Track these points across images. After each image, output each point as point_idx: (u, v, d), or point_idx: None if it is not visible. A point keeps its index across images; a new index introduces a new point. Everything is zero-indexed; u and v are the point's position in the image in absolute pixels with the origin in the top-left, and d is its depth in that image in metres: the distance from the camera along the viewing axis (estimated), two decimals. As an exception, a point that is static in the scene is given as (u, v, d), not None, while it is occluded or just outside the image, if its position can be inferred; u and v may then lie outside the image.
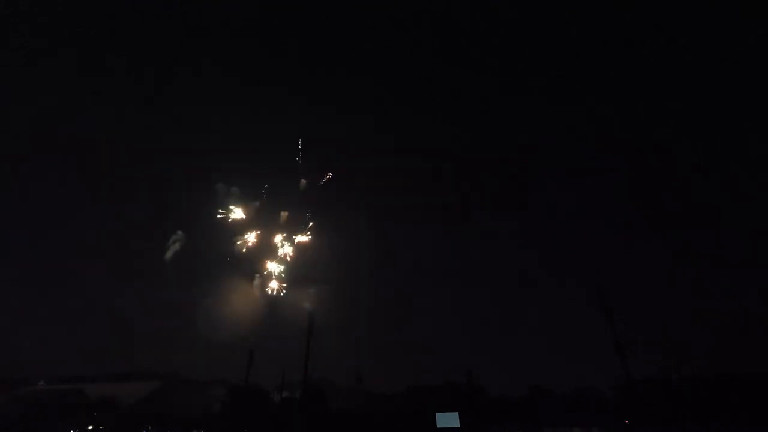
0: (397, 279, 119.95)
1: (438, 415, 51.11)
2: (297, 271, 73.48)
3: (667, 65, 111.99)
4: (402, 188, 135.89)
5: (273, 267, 72.08)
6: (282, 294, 72.35)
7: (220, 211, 70.90)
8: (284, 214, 75.11)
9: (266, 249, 72.57)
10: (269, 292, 71.64)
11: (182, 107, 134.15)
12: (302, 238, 74.05)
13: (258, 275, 71.88)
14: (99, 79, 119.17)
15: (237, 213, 70.96)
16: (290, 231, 73.28)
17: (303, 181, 75.52)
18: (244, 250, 70.82)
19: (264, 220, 72.49)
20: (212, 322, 69.87)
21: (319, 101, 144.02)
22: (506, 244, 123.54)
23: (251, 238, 71.21)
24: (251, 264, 71.73)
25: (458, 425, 50.26)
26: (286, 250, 72.94)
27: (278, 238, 73.47)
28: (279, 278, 72.14)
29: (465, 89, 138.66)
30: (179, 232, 75.15)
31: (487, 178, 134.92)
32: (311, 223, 73.91)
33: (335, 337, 74.29)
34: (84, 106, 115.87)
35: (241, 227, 71.66)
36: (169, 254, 73.73)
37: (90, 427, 60.98)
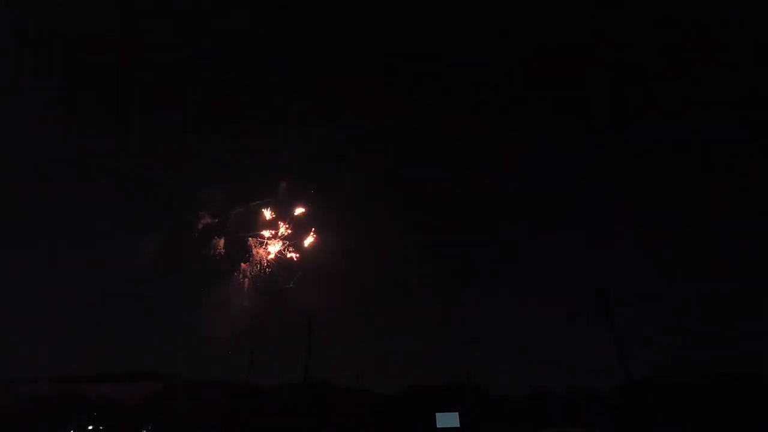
0: (398, 278, 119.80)
1: (438, 415, 51.20)
2: (298, 270, 73.34)
3: (666, 64, 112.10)
4: (403, 188, 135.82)
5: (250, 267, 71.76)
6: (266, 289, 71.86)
7: (200, 213, 70.94)
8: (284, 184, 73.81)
9: (244, 250, 72.41)
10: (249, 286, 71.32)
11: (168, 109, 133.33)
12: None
13: (241, 274, 71.62)
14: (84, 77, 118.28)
15: (211, 216, 70.98)
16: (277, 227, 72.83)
17: (283, 184, 75.06)
18: (220, 251, 70.69)
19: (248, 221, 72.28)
20: (212, 322, 69.85)
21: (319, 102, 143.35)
22: (506, 243, 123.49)
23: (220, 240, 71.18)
24: (234, 263, 71.47)
25: (458, 425, 50.35)
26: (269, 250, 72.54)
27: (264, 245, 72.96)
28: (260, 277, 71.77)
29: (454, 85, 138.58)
30: (154, 235, 75.75)
31: (487, 178, 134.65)
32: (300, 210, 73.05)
33: (336, 337, 74.24)
34: (68, 103, 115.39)
35: (215, 229, 71.63)
36: (144, 257, 74.33)
37: (90, 427, 60.98)
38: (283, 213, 73.57)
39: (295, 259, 73.00)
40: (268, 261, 71.77)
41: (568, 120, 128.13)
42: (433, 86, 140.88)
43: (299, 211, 72.77)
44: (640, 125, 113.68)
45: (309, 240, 73.67)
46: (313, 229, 73.82)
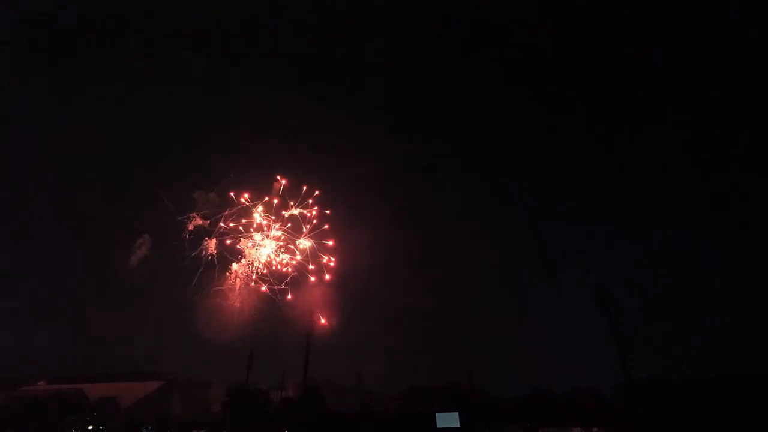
0: (398, 278, 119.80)
1: (438, 415, 51.19)
2: (292, 271, 73.03)
3: (667, 62, 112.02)
4: (403, 187, 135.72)
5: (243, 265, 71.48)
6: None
7: (190, 215, 70.87)
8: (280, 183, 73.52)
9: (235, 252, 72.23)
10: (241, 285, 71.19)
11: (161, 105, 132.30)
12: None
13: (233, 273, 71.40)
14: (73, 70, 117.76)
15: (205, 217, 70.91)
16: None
17: (277, 186, 74.43)
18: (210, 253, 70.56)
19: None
20: (206, 323, 69.76)
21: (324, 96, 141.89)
22: (507, 243, 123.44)
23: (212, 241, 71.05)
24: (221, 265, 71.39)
25: (458, 425, 50.32)
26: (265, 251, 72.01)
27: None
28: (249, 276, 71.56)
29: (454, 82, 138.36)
30: (145, 236, 75.92)
31: (487, 179, 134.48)
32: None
33: (335, 337, 74.18)
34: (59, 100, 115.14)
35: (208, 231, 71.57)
36: (134, 258, 74.63)
37: (90, 428, 60.98)
38: (276, 214, 73.44)
39: (289, 259, 72.98)
40: (260, 262, 71.71)
41: (565, 116, 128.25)
42: (434, 86, 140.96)
43: (293, 212, 72.70)
44: (642, 122, 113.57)
45: (303, 242, 73.52)
46: (307, 229, 73.64)
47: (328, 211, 73.41)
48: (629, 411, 47.89)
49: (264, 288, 70.78)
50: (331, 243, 72.95)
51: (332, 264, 72.67)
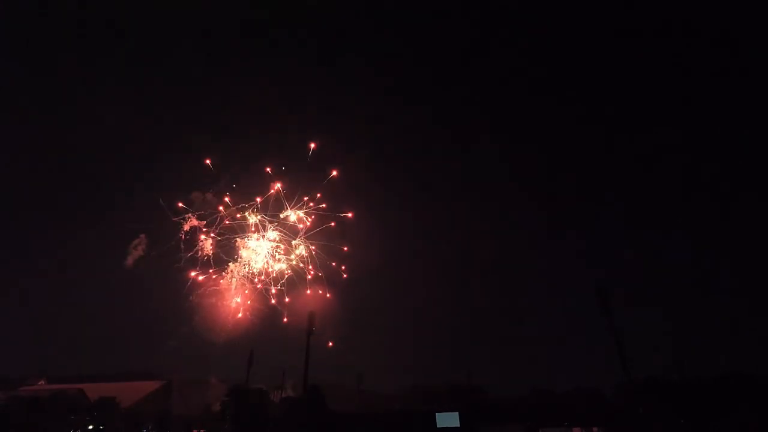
0: (397, 278, 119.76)
1: (438, 415, 51.18)
2: (288, 271, 72.52)
3: (667, 62, 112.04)
4: (402, 187, 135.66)
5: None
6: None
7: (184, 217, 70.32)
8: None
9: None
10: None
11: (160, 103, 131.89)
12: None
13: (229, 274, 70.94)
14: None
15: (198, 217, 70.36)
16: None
17: (273, 184, 73.13)
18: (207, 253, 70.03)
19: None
20: (209, 322, 69.56)
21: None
22: (507, 243, 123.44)
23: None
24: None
25: (458, 425, 50.32)
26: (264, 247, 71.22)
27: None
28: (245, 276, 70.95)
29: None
30: (141, 236, 75.72)
31: (488, 178, 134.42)
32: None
33: (335, 337, 74.08)
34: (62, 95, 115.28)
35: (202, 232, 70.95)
36: (130, 258, 74.50)
37: (90, 427, 61.01)
38: (272, 215, 72.81)
39: (286, 261, 72.58)
40: (256, 262, 71.28)
41: (568, 117, 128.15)
42: (434, 89, 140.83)
43: (288, 213, 72.09)
44: (644, 122, 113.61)
45: (298, 243, 72.99)
46: (303, 229, 73.04)
47: (350, 214, 71.19)
48: (629, 411, 47.86)
49: (259, 286, 70.42)
50: (345, 249, 71.06)
51: (344, 275, 70.86)
